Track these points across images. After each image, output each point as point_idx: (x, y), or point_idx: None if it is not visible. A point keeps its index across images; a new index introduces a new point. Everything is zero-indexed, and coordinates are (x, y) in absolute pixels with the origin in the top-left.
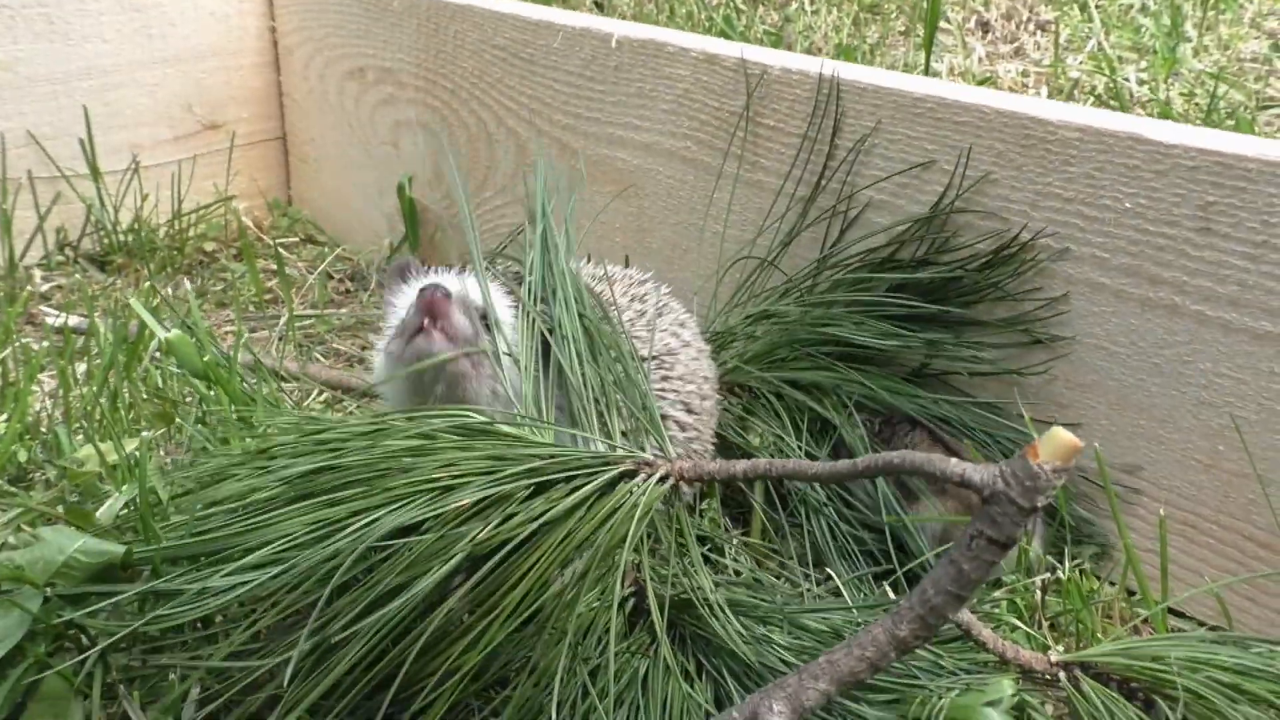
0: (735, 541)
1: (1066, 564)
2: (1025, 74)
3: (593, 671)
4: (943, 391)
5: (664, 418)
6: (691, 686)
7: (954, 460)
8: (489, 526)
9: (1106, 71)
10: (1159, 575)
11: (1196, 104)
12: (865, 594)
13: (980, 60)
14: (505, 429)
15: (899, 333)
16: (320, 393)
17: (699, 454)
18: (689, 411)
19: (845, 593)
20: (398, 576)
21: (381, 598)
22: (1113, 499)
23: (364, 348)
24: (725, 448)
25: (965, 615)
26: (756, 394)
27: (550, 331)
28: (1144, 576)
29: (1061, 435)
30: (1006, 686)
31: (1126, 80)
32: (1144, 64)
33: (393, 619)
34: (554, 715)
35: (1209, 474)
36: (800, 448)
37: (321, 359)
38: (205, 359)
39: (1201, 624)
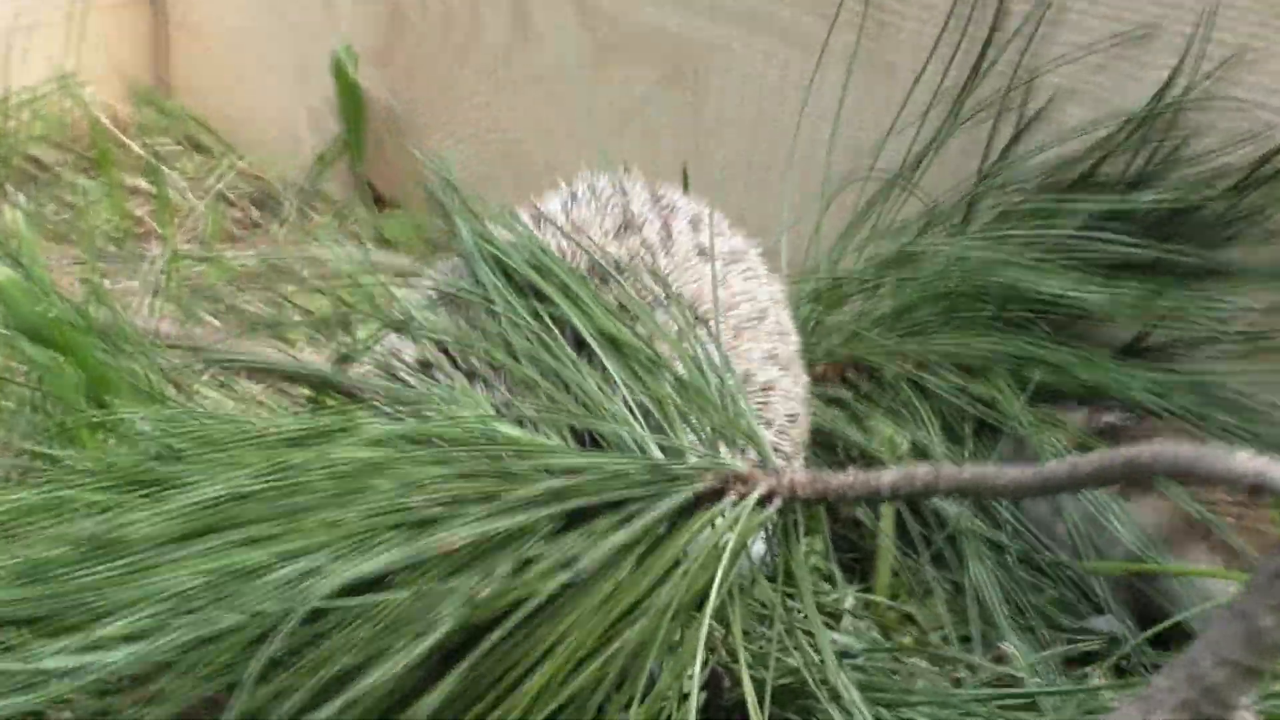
0: (852, 600)
1: None
2: None
3: None
4: (1169, 371)
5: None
6: None
7: (1245, 454)
8: (493, 580)
9: None
10: None
11: None
12: (1057, 680)
13: None
14: (510, 432)
15: (1105, 286)
16: (209, 369)
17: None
18: (766, 423)
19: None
20: (352, 655)
21: (327, 687)
22: None
23: (280, 305)
24: (830, 458)
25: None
26: (881, 377)
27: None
28: None
29: None
30: None
31: None
32: None
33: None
34: None
35: None
36: (953, 455)
37: (214, 320)
38: (46, 313)
39: None
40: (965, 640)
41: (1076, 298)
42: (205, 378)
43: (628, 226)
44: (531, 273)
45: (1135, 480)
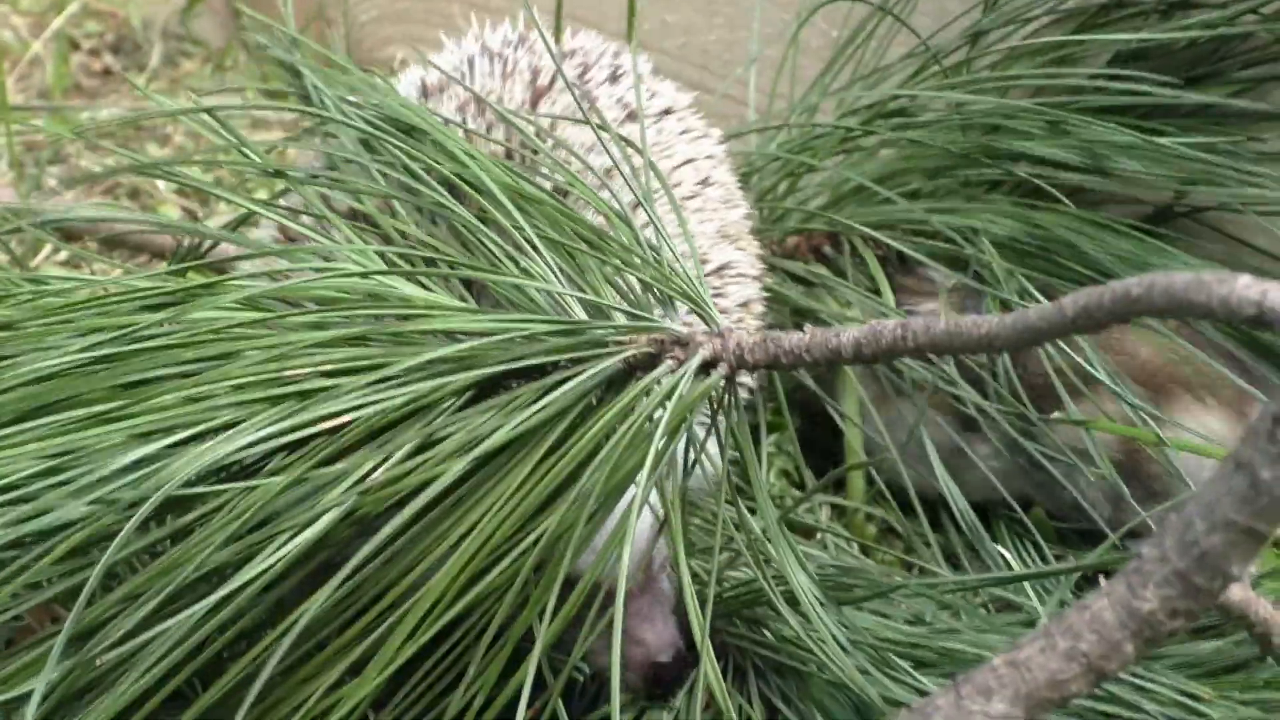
0: (826, 514)
1: None
2: None
3: None
4: (1208, 242)
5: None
6: None
7: (1245, 278)
8: (388, 463)
9: None
10: None
11: None
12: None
13: None
14: (404, 290)
15: (1132, 140)
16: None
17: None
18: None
19: (1031, 594)
20: (216, 552)
21: (191, 587)
22: None
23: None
24: None
25: (1244, 593)
26: (859, 256)
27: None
28: None
29: None
30: None
31: None
32: None
33: (211, 626)
34: None
35: None
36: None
37: (58, 188)
38: None
39: None
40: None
41: (1097, 157)
42: (51, 254)
43: (539, 96)
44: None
45: (1123, 320)
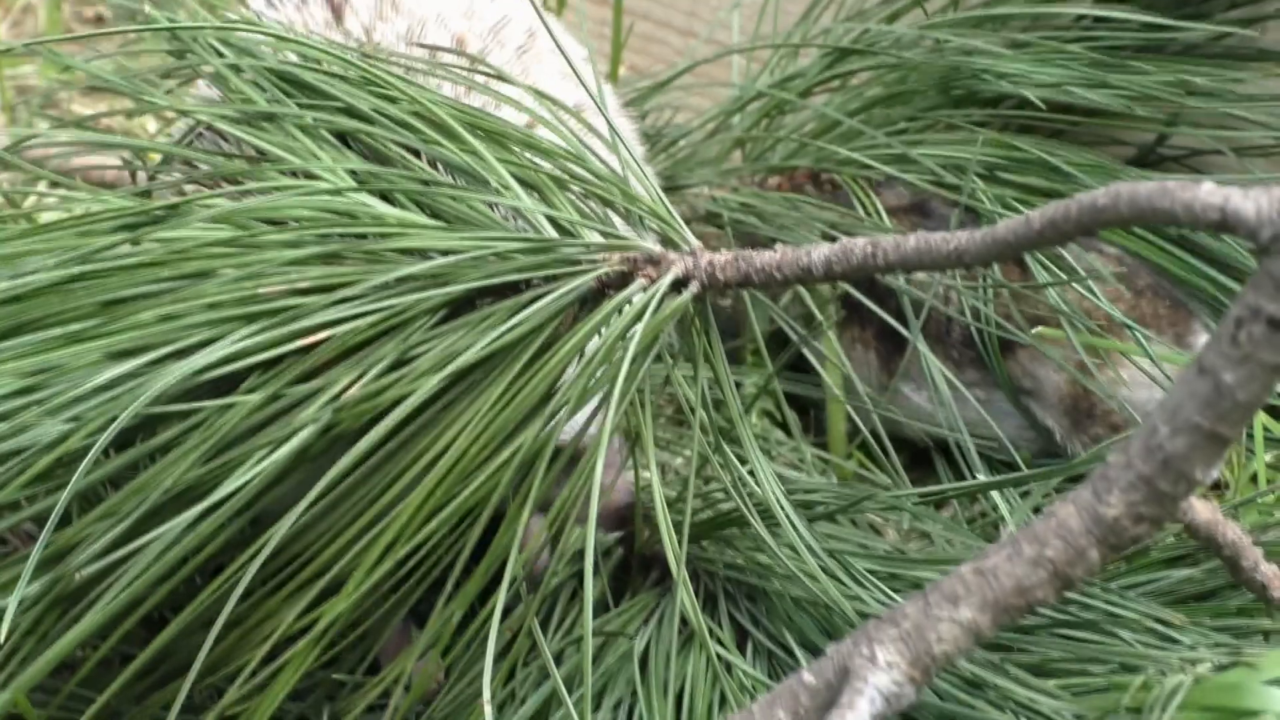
0: (809, 456)
1: None
2: None
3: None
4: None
5: None
6: (729, 669)
7: (1209, 184)
8: (364, 378)
9: None
10: None
11: None
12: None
13: None
14: (377, 208)
15: (1115, 79)
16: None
17: None
18: None
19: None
20: (196, 468)
21: (166, 505)
22: None
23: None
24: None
25: (1210, 513)
26: (846, 192)
27: None
28: None
29: None
30: None
31: None
32: None
33: (190, 542)
34: None
35: None
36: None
37: (50, 132)
38: None
39: None
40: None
41: (1082, 94)
42: (40, 200)
43: (338, 11)
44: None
45: (1090, 232)
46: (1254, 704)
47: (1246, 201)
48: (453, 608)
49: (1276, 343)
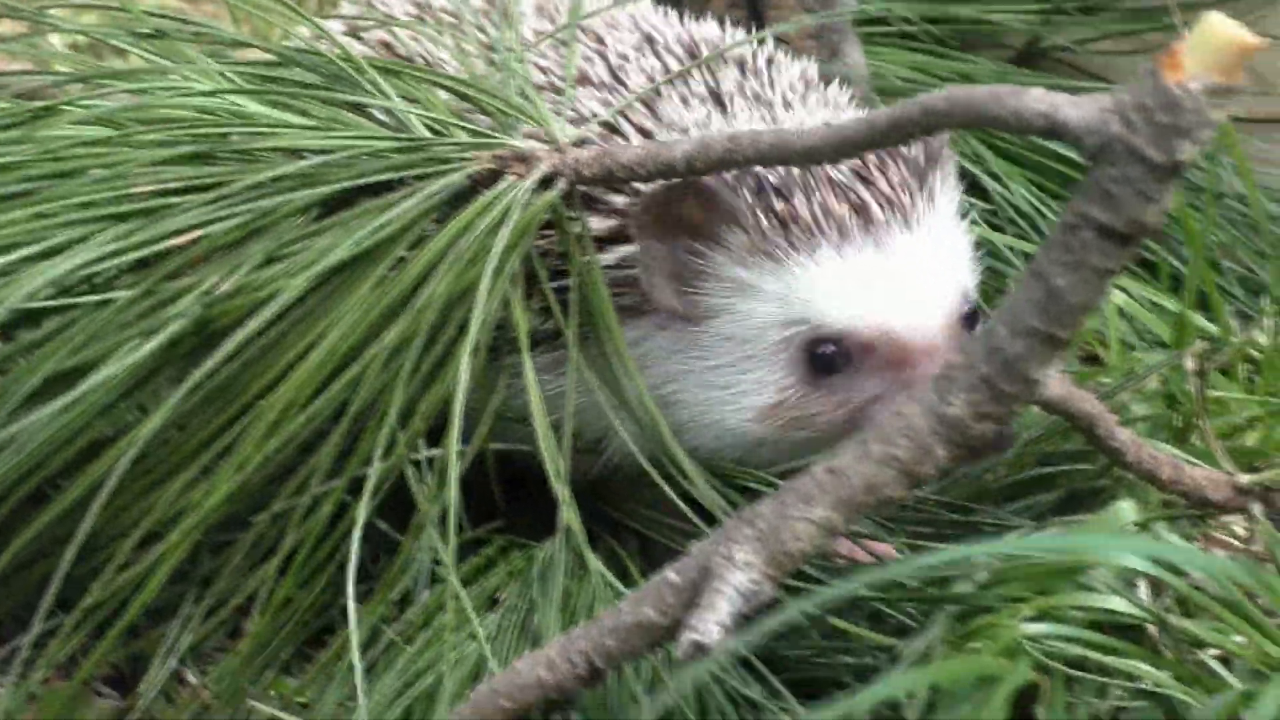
0: None
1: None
2: None
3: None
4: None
5: None
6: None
7: (1037, 91)
8: (235, 276)
9: None
10: None
11: None
12: None
13: None
14: (249, 108)
15: None
16: None
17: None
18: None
19: None
20: (70, 357)
21: (41, 393)
22: None
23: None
24: None
25: (1063, 388)
26: None
27: None
28: None
29: (1219, 29)
30: (1126, 512)
31: None
32: None
33: (59, 433)
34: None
35: None
36: None
37: None
38: None
39: None
40: None
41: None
42: None
43: None
44: None
45: (930, 132)
46: (1088, 559)
47: (1073, 110)
48: (325, 505)
49: (1105, 248)
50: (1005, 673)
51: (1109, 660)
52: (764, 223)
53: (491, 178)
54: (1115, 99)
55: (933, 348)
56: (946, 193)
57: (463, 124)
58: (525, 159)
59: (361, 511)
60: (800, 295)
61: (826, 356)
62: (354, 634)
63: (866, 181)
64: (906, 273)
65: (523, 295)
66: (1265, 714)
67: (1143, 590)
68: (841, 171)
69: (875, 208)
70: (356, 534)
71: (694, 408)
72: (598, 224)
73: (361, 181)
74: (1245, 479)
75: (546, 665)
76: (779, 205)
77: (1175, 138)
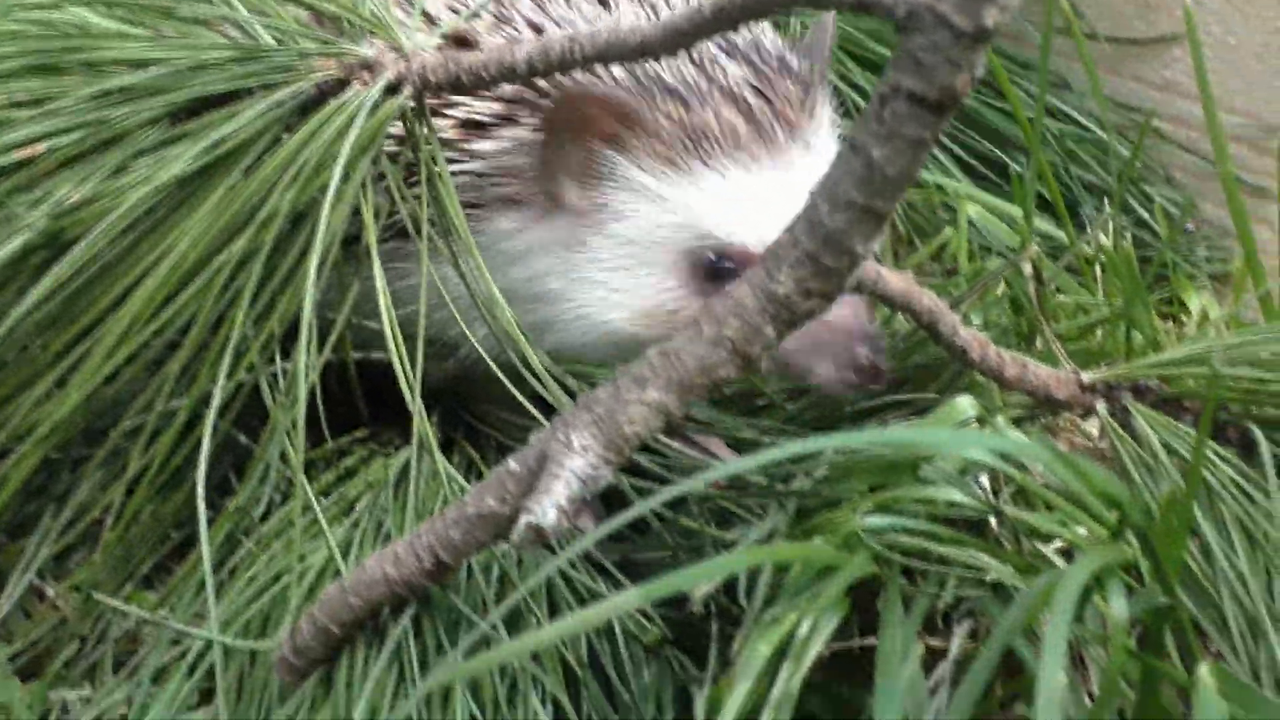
0: None
1: (1110, 233)
2: None
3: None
4: None
5: None
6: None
7: None
8: (85, 186)
9: None
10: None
11: None
12: None
13: None
14: (89, 19)
15: None
16: None
17: None
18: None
19: None
20: None
21: None
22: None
23: None
24: None
25: (904, 283)
26: None
27: None
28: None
29: None
30: (964, 406)
31: None
32: None
33: None
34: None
35: None
36: None
37: None
38: None
39: None
40: None
41: None
42: None
43: None
44: None
45: (760, 14)
46: (924, 450)
47: None
48: (177, 419)
49: (919, 117)
50: (843, 562)
51: (950, 552)
52: (669, 131)
53: (339, 87)
54: None
55: None
56: (829, 109)
57: (311, 34)
58: (371, 66)
59: (209, 424)
60: (700, 208)
61: (718, 269)
62: (204, 542)
63: (764, 97)
64: (804, 193)
65: (373, 202)
66: (1072, 587)
67: (985, 485)
68: (741, 84)
69: (774, 124)
70: (205, 445)
71: (570, 304)
72: (483, 108)
73: (208, 91)
74: (1089, 376)
75: (393, 561)
76: (684, 114)
77: (980, 3)
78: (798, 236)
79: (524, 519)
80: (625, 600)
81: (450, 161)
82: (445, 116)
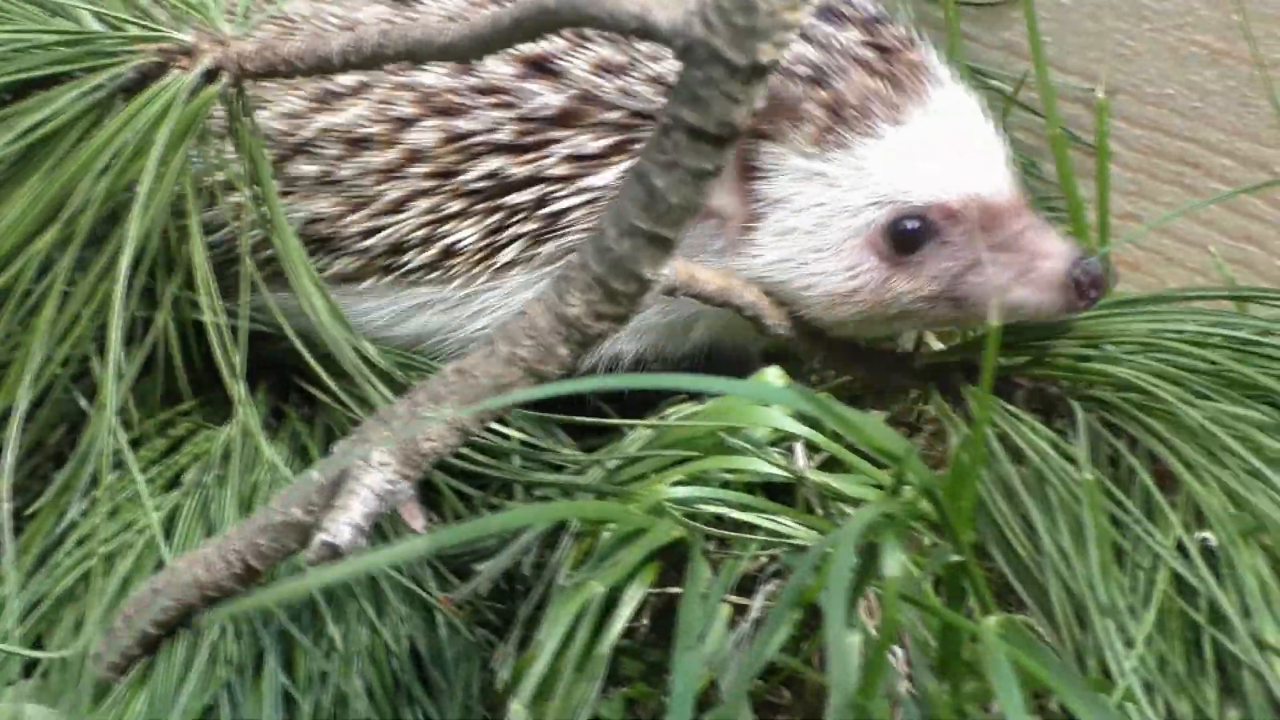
0: None
1: None
2: None
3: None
4: None
5: None
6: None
7: None
8: None
9: None
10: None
11: None
12: None
13: None
14: None
15: None
16: None
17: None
18: None
19: None
20: None
21: None
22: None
23: None
24: None
25: (723, 281)
26: None
27: None
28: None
29: None
30: (771, 375)
31: None
32: None
33: None
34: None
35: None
36: None
37: None
38: None
39: None
40: None
41: None
42: None
43: None
44: None
45: (550, 29)
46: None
47: (662, 12)
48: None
49: (698, 149)
50: (649, 525)
51: (756, 520)
52: (818, 112)
53: (159, 71)
54: (700, 1)
55: (1017, 204)
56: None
57: (136, 20)
58: (190, 52)
59: (21, 401)
60: (873, 175)
61: (910, 232)
62: (4, 515)
63: (888, 52)
64: (967, 135)
65: (194, 188)
66: (847, 540)
67: (799, 456)
68: (864, 48)
69: (909, 76)
70: (15, 428)
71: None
72: (586, 140)
73: (28, 75)
74: (922, 360)
75: (204, 564)
76: (824, 93)
77: (753, 39)
78: (587, 260)
79: (320, 537)
80: (412, 548)
81: (561, 198)
82: (548, 155)
